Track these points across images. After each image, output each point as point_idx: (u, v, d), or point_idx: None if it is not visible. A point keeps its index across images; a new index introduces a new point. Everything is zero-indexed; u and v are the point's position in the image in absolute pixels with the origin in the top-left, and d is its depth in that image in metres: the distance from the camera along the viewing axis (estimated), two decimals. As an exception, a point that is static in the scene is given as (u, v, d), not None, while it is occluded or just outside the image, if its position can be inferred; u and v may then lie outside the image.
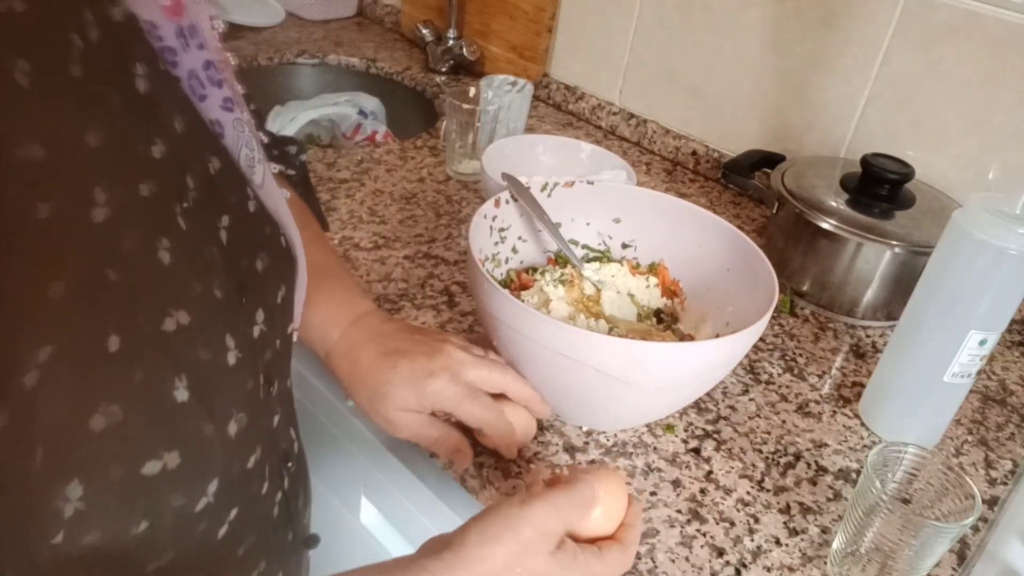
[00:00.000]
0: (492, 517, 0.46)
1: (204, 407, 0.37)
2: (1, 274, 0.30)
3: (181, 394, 0.35)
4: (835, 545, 0.60)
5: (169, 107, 0.39)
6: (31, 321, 0.31)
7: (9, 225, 0.30)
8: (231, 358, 0.39)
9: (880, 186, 0.88)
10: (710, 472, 0.67)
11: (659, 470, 0.66)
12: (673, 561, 0.59)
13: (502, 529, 0.45)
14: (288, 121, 1.28)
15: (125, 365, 0.33)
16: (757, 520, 0.63)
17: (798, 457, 0.70)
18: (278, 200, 0.49)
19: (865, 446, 0.72)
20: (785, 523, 0.63)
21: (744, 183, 0.98)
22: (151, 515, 0.36)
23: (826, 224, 0.86)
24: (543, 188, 0.77)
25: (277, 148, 0.68)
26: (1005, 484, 0.70)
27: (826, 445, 0.71)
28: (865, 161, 0.88)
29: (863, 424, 0.75)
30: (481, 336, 0.75)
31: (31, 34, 0.30)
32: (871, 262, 0.85)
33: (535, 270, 0.78)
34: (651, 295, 0.77)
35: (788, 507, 0.65)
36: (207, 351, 0.37)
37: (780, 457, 0.69)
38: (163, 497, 0.36)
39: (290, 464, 0.52)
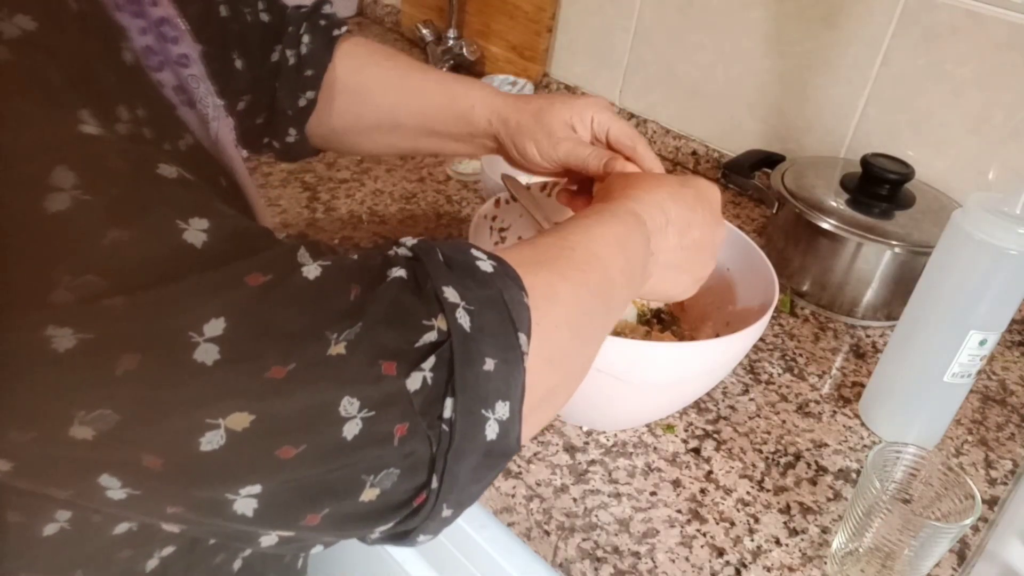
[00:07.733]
0: (653, 186, 0.55)
1: None
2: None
3: None
4: (835, 545, 0.60)
5: (147, 79, 0.40)
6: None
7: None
8: None
9: (880, 186, 0.88)
10: (710, 472, 0.67)
11: (659, 470, 0.66)
12: (673, 561, 0.59)
13: (666, 188, 0.55)
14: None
15: None
16: (757, 520, 0.63)
17: (798, 457, 0.70)
18: (234, 155, 0.49)
19: (865, 446, 0.72)
20: (785, 523, 0.63)
21: (744, 183, 0.98)
22: None
23: (826, 224, 0.86)
24: (543, 188, 0.77)
25: (316, 14, 0.69)
26: (1005, 484, 0.70)
27: (826, 445, 0.71)
28: (865, 161, 0.88)
29: (863, 424, 0.75)
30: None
31: None
32: (871, 262, 0.85)
33: (535, 270, 0.78)
34: (651, 295, 0.77)
35: (788, 507, 0.65)
36: None
37: (780, 457, 0.69)
38: None
39: None
